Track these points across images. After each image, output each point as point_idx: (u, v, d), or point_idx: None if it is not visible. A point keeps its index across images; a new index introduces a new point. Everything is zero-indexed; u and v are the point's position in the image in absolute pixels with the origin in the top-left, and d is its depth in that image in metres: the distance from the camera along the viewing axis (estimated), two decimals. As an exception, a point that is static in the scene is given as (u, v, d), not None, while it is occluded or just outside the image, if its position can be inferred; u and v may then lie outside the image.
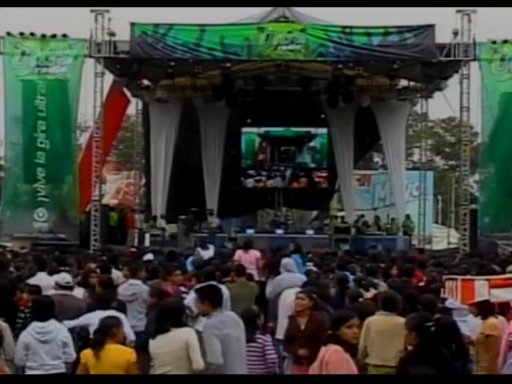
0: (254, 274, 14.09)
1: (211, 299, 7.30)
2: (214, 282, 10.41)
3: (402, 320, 7.86)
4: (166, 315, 7.05)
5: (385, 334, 7.91)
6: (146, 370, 7.59)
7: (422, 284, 11.30)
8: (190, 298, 9.67)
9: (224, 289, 10.13)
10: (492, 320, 8.19)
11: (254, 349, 8.04)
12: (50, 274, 11.51)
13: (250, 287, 11.88)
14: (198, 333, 7.28)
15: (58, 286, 9.93)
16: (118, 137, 37.06)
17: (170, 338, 6.92)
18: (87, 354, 7.06)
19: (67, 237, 23.30)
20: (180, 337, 6.91)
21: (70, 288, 10.06)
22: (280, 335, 9.77)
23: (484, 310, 8.21)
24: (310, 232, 25.83)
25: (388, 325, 7.98)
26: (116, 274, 12.29)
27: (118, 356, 6.95)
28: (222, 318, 7.29)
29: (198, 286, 9.97)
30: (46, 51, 23.61)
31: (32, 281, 10.78)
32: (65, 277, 10.25)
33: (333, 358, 6.20)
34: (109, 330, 7.08)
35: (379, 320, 8.00)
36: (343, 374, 6.12)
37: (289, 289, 10.65)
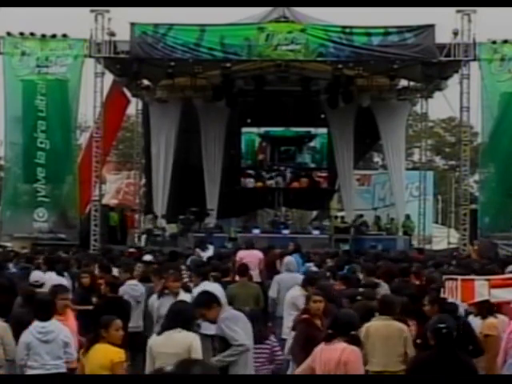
0: (255, 274, 14.05)
1: (218, 301, 7.36)
2: (207, 282, 10.46)
3: (400, 325, 7.88)
4: (176, 315, 6.98)
5: (385, 340, 7.82)
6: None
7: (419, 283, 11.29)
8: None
9: (218, 287, 10.15)
10: (491, 320, 8.20)
11: (263, 350, 7.97)
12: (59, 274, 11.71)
13: (252, 288, 11.69)
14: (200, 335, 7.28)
15: (31, 285, 10.19)
16: (118, 137, 37.02)
17: (175, 339, 6.83)
18: (81, 352, 7.14)
19: (67, 237, 23.30)
20: (185, 340, 6.83)
21: (41, 286, 10.36)
22: (286, 335, 9.67)
23: (483, 309, 8.21)
24: (315, 232, 25.71)
25: (387, 330, 7.88)
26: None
27: (103, 356, 6.90)
28: (234, 312, 7.42)
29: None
30: (46, 51, 23.61)
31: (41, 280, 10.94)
32: (34, 275, 10.99)
33: (352, 357, 6.28)
34: (99, 330, 7.03)
35: (378, 325, 7.91)
36: (361, 374, 6.19)
37: (290, 289, 10.65)
